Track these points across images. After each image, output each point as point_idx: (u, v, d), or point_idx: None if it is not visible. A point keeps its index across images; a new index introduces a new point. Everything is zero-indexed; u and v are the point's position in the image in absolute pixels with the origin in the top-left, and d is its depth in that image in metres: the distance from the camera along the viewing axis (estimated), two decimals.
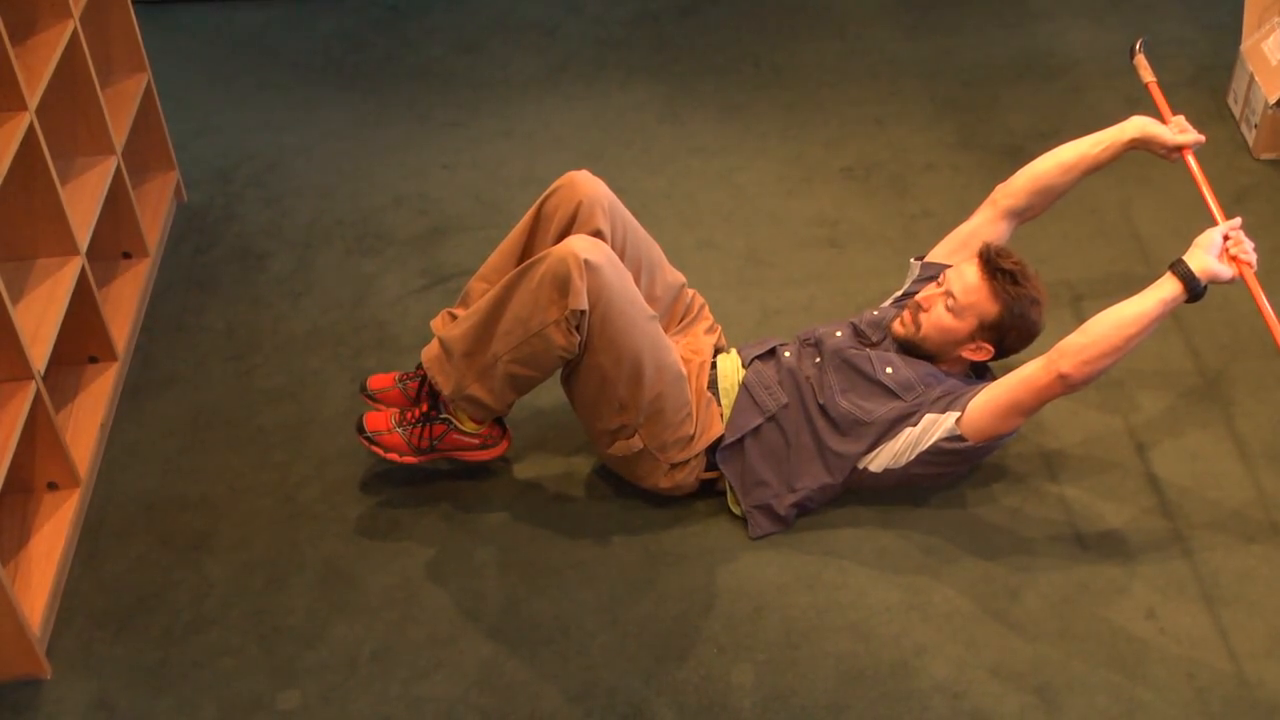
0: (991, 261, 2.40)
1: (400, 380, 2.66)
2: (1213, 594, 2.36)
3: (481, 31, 4.32)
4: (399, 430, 2.49)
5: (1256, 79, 3.49)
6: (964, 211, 2.76)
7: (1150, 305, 2.24)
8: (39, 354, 2.40)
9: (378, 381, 2.68)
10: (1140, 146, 2.57)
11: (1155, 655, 2.26)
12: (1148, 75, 2.73)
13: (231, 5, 4.50)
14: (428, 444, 2.48)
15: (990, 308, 2.40)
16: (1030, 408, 2.33)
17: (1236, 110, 3.67)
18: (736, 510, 2.51)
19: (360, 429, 2.51)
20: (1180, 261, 2.25)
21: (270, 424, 2.79)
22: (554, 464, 2.68)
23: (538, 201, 2.50)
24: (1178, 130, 2.54)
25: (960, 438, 2.36)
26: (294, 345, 3.01)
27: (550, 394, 2.68)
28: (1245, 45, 3.63)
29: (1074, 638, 2.29)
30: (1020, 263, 2.42)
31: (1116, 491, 2.57)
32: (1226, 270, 2.24)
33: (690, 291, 2.68)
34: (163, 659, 2.30)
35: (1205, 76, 3.90)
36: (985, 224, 2.64)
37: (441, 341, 2.42)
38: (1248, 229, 2.33)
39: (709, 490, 2.55)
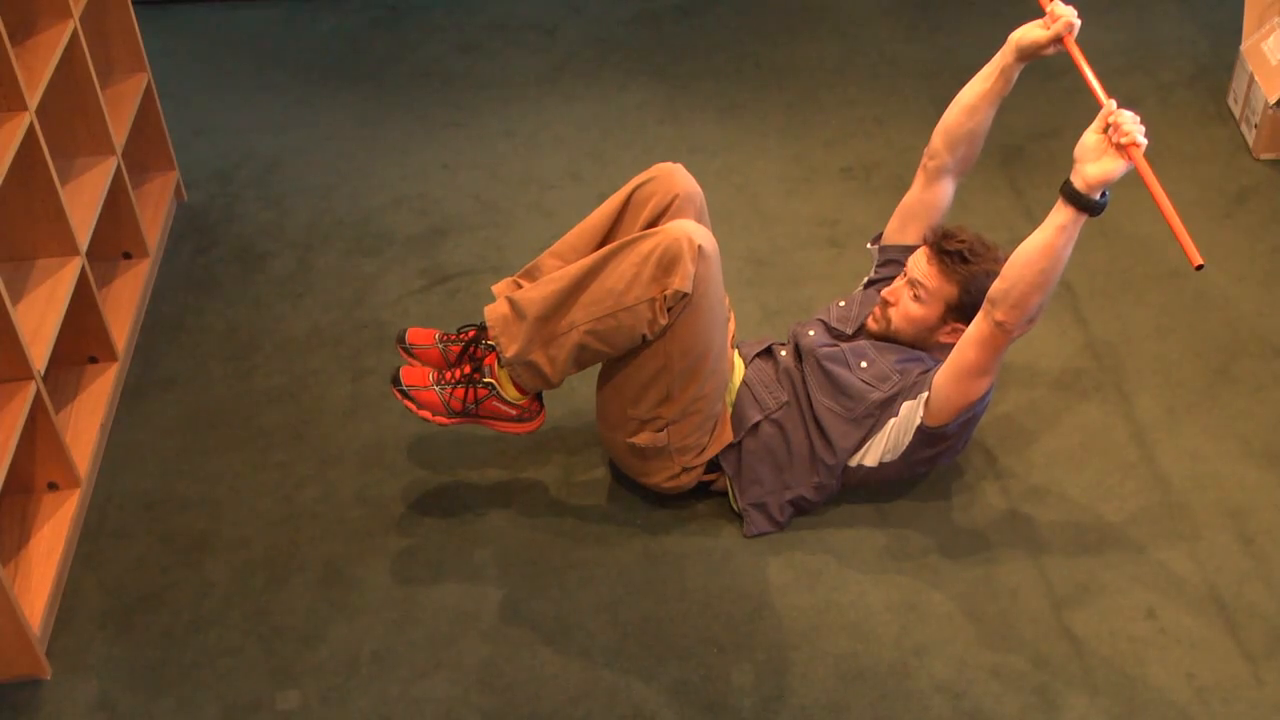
0: (938, 245, 2.40)
1: (441, 340, 2.55)
2: (1213, 594, 2.36)
3: (481, 31, 4.32)
4: (436, 389, 2.40)
5: (1256, 79, 3.49)
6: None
7: (1051, 235, 2.08)
8: (39, 354, 2.40)
9: (417, 335, 2.56)
10: (1027, 55, 2.41)
11: (1155, 655, 2.26)
12: None
13: (231, 5, 4.50)
14: (464, 407, 2.41)
15: (949, 290, 2.39)
16: (985, 363, 2.26)
17: (1236, 110, 3.67)
18: (736, 507, 2.51)
19: (395, 381, 2.41)
20: (1066, 181, 2.07)
21: (270, 424, 2.79)
22: (554, 464, 2.68)
23: (628, 188, 2.45)
24: (1051, 20, 2.34)
25: (933, 422, 2.34)
26: (294, 345, 3.01)
27: (550, 394, 2.68)
28: (1245, 45, 3.63)
29: (1074, 638, 2.29)
30: (968, 240, 2.39)
31: (1116, 491, 2.57)
32: (1119, 165, 2.02)
33: None
34: (163, 659, 2.30)
35: (1205, 76, 3.90)
36: (922, 190, 2.59)
37: (512, 302, 2.34)
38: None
39: (708, 490, 2.55)
